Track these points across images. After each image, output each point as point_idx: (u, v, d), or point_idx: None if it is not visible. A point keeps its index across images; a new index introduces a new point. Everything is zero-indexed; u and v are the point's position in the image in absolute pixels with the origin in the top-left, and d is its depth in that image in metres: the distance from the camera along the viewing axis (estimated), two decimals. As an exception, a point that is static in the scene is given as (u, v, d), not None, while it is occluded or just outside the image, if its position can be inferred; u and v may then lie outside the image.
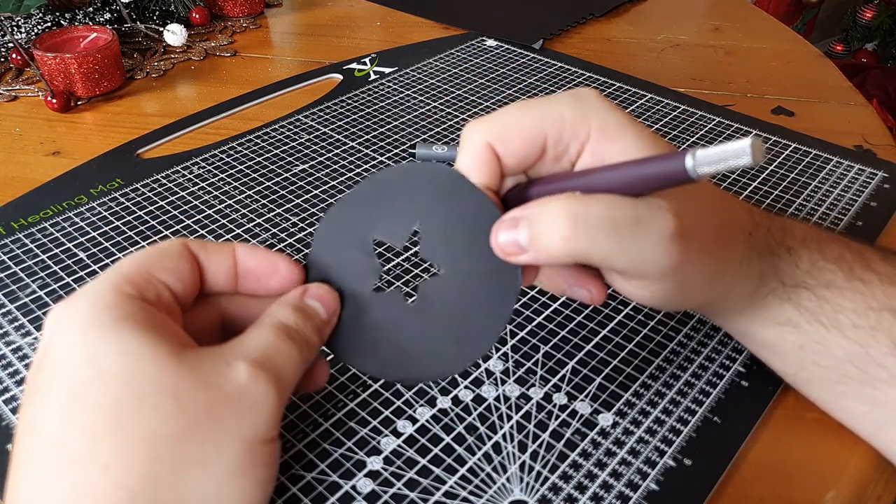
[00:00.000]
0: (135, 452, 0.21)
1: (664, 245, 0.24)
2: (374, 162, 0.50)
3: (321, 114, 0.57)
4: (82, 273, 0.40)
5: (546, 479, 0.28)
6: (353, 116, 0.56)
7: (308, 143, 0.53)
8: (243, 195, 0.47)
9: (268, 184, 0.48)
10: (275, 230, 0.43)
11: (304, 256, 0.39)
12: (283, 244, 0.42)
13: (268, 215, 0.45)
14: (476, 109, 0.57)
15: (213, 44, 0.70)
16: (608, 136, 0.26)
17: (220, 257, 0.27)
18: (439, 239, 0.27)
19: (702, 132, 0.54)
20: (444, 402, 0.32)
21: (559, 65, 0.65)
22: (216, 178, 0.48)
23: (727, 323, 0.32)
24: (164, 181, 0.48)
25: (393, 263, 0.39)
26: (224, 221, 0.44)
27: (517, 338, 0.35)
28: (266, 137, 0.53)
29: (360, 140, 0.53)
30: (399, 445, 0.30)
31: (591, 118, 0.26)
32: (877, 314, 0.28)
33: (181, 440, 0.22)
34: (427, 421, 0.31)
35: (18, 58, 0.63)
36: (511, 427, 0.31)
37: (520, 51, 0.68)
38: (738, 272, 0.29)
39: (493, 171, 0.27)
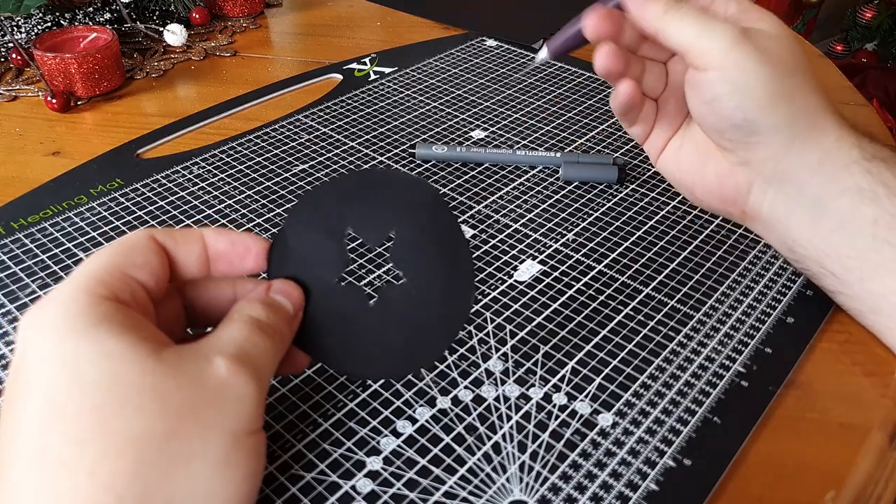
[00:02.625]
0: (121, 455, 0.21)
1: (726, 36, 0.31)
2: (374, 162, 0.50)
3: (321, 114, 0.57)
4: (82, 273, 0.39)
5: (546, 479, 0.28)
6: (353, 116, 0.56)
7: (308, 143, 0.53)
8: (243, 195, 0.47)
9: (268, 184, 0.48)
10: (275, 230, 0.43)
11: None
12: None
13: (268, 215, 0.45)
14: (476, 109, 0.57)
15: (213, 44, 0.70)
16: (748, 11, 0.34)
17: (190, 245, 0.27)
18: (410, 250, 0.28)
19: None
20: (443, 403, 0.32)
21: (559, 65, 0.65)
22: (216, 178, 0.48)
23: (802, 190, 0.33)
24: (164, 181, 0.48)
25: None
26: (224, 221, 0.44)
27: (517, 338, 0.35)
28: (266, 137, 0.53)
29: (360, 140, 0.53)
30: (399, 445, 0.30)
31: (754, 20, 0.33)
32: None
33: (167, 439, 0.22)
34: (427, 421, 0.31)
35: (18, 58, 0.63)
36: (511, 427, 0.31)
37: (520, 51, 0.68)
38: (806, 118, 0.32)
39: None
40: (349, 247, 0.28)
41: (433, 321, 0.28)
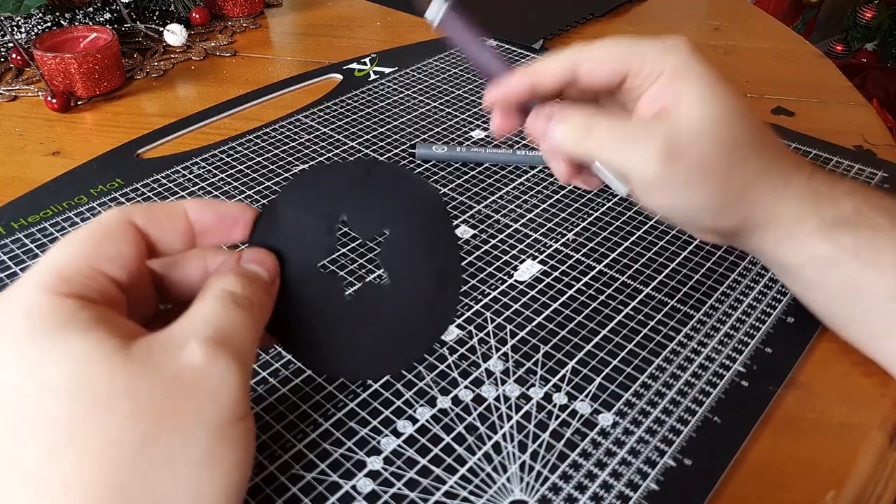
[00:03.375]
0: (97, 464, 0.20)
1: (651, 158, 0.30)
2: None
3: (321, 114, 0.57)
4: (82, 273, 0.39)
5: (546, 478, 0.28)
6: (353, 116, 0.56)
7: (308, 143, 0.53)
8: (243, 195, 0.47)
9: (268, 184, 0.48)
10: (275, 230, 0.43)
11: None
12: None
13: (268, 215, 0.45)
14: (476, 109, 0.57)
15: (213, 44, 0.70)
16: (676, 74, 0.31)
17: (171, 221, 0.25)
18: (400, 252, 0.27)
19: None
20: (444, 402, 0.32)
21: (559, 65, 0.65)
22: (216, 178, 0.48)
23: (769, 257, 0.34)
24: (164, 181, 0.48)
25: (345, 250, 0.39)
26: (224, 221, 0.44)
27: (517, 338, 0.35)
28: (266, 137, 0.53)
29: (360, 140, 0.53)
30: (399, 445, 0.30)
31: (668, 61, 0.31)
32: None
33: (144, 443, 0.20)
34: (427, 421, 0.31)
35: (18, 58, 0.63)
36: (511, 427, 0.31)
37: (520, 51, 0.68)
38: (763, 209, 0.32)
39: (558, 81, 0.32)
40: (339, 234, 0.27)
41: (405, 333, 0.27)
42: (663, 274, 0.39)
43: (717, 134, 0.30)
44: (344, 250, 0.38)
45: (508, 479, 0.29)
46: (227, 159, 0.51)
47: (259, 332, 0.25)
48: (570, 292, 0.38)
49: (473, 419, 0.31)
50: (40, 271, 0.23)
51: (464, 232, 0.43)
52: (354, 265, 0.38)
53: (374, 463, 0.29)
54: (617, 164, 0.31)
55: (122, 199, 0.46)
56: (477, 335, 0.35)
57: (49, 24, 0.66)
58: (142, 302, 0.26)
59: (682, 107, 0.30)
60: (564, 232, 0.43)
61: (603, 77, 0.32)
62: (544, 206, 0.46)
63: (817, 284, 0.32)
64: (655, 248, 0.41)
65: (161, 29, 0.67)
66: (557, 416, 0.31)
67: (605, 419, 0.31)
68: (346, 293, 0.28)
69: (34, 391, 0.20)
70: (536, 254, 0.41)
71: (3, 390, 0.21)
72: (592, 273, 0.40)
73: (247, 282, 0.25)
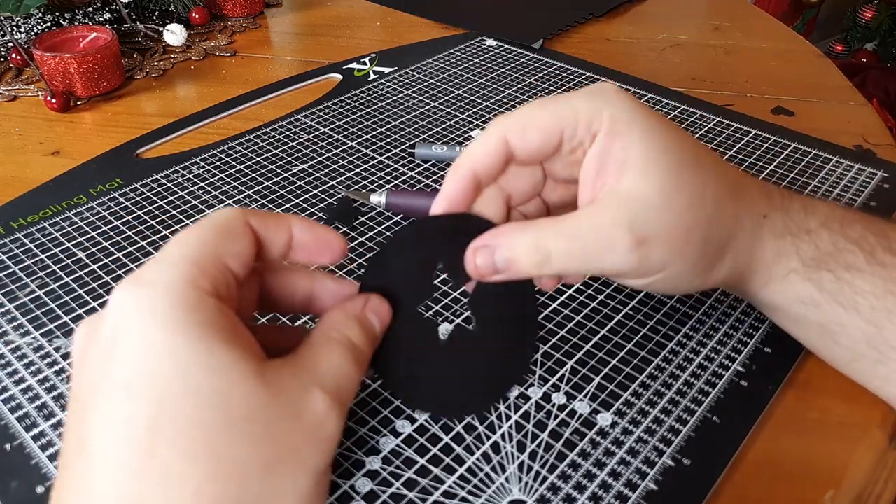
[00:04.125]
0: (227, 480, 0.21)
1: (625, 257, 0.27)
2: (374, 162, 0.50)
3: (321, 114, 0.57)
4: (81, 273, 0.39)
5: (545, 478, 0.28)
6: (353, 116, 0.56)
7: (308, 143, 0.53)
8: (243, 195, 0.47)
9: (268, 184, 0.48)
10: (274, 230, 0.43)
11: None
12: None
13: (267, 215, 0.45)
14: (476, 109, 0.57)
15: (212, 44, 0.70)
16: (616, 132, 0.28)
17: (278, 232, 0.26)
18: (487, 302, 0.29)
19: (701, 132, 0.54)
20: (443, 402, 0.32)
21: (559, 65, 0.65)
22: (216, 178, 0.48)
23: (751, 298, 0.34)
24: (164, 181, 0.48)
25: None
26: (223, 221, 0.44)
27: (516, 337, 0.35)
28: (266, 137, 0.53)
29: (360, 140, 0.53)
30: (398, 445, 0.30)
31: (604, 112, 0.28)
32: (895, 298, 0.29)
33: (266, 470, 0.21)
34: (426, 420, 0.31)
35: (18, 58, 0.63)
36: (510, 427, 0.31)
37: (520, 51, 0.68)
38: (745, 254, 0.30)
39: (496, 160, 0.29)
40: (435, 282, 0.29)
41: (491, 374, 0.28)
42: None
43: (679, 197, 0.28)
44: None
45: (507, 479, 0.28)
46: (227, 159, 0.51)
47: (358, 388, 0.26)
48: (570, 292, 0.38)
49: (472, 419, 0.31)
50: (182, 258, 0.23)
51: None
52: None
53: (373, 462, 0.29)
54: (590, 272, 0.28)
55: (122, 199, 0.46)
56: (476, 335, 0.35)
57: (49, 24, 0.66)
58: (246, 304, 0.27)
59: (630, 178, 0.27)
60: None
61: (536, 143, 0.28)
62: (544, 205, 0.46)
63: (802, 323, 0.32)
64: (655, 248, 0.41)
65: (161, 29, 0.67)
66: (556, 416, 0.31)
67: (604, 419, 0.31)
68: (440, 337, 0.29)
69: (178, 390, 0.21)
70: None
71: (144, 377, 0.21)
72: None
73: (365, 334, 0.26)
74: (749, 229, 0.30)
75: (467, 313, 0.30)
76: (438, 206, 0.29)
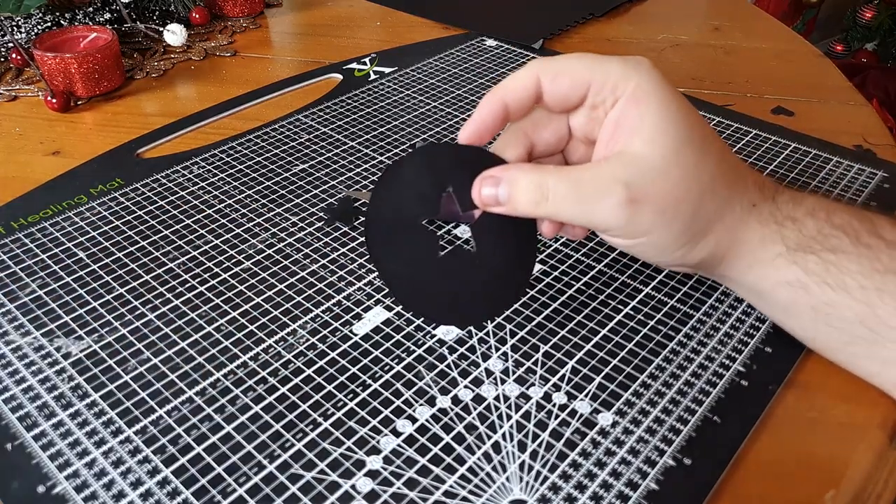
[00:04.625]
0: None
1: (616, 210, 0.29)
2: (374, 161, 0.50)
3: (321, 114, 0.57)
4: (82, 273, 0.39)
5: (546, 478, 0.28)
6: (353, 116, 0.56)
7: (308, 143, 0.53)
8: (243, 195, 0.47)
9: (268, 184, 0.48)
10: (275, 230, 0.43)
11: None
12: (282, 244, 0.42)
13: (268, 215, 0.45)
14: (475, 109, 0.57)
15: (213, 44, 0.70)
16: (637, 99, 0.30)
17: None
18: (490, 226, 0.31)
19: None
20: (443, 402, 0.32)
21: (559, 65, 0.65)
22: (216, 178, 0.48)
23: (736, 284, 0.34)
24: (164, 181, 0.48)
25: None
26: (224, 221, 0.44)
27: (517, 337, 0.35)
28: (266, 137, 0.53)
29: (360, 140, 0.53)
30: (398, 445, 0.30)
31: (632, 80, 0.30)
32: (882, 276, 0.29)
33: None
34: (427, 420, 0.31)
35: (18, 58, 0.63)
36: (511, 426, 0.31)
37: (520, 51, 0.69)
38: (730, 237, 0.32)
39: (526, 94, 0.31)
40: (443, 199, 0.31)
41: (486, 292, 0.31)
42: (663, 274, 0.39)
43: (678, 169, 0.30)
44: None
45: (508, 479, 0.29)
46: (227, 159, 0.51)
47: None
48: (570, 292, 0.38)
49: (473, 418, 0.31)
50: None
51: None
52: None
53: (374, 462, 0.29)
54: (579, 221, 0.30)
55: (122, 199, 0.46)
56: (476, 334, 0.35)
57: (49, 24, 0.66)
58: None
59: (639, 141, 0.30)
60: (564, 231, 0.43)
61: (563, 89, 0.31)
62: (544, 205, 0.46)
63: (790, 309, 0.32)
64: (655, 248, 0.41)
65: (161, 29, 0.67)
66: (557, 416, 0.31)
67: (605, 418, 0.31)
68: (441, 252, 0.31)
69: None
70: (537, 253, 0.41)
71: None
72: (592, 272, 0.40)
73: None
74: (737, 214, 0.31)
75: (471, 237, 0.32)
76: (467, 128, 0.32)
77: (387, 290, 0.33)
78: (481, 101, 0.32)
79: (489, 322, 0.35)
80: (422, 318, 0.35)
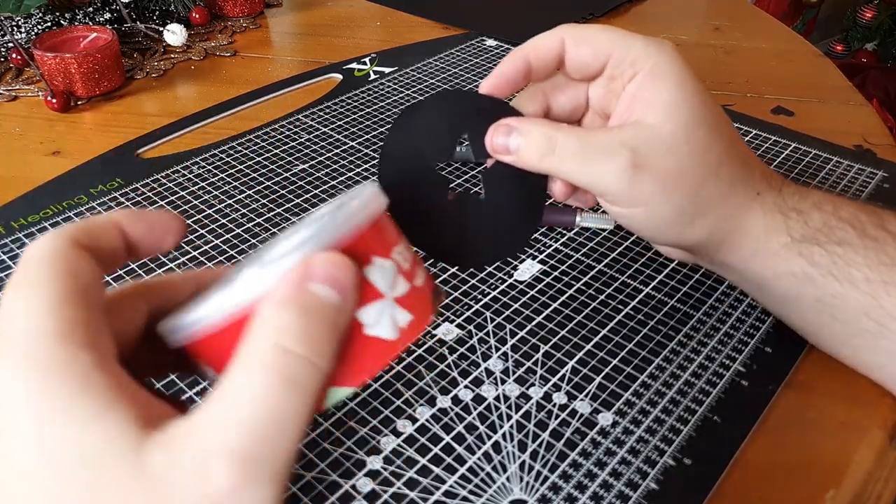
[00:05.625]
0: None
1: (618, 173, 0.29)
2: (374, 161, 0.50)
3: (321, 114, 0.57)
4: (82, 273, 0.39)
5: (546, 478, 0.28)
6: (353, 116, 0.56)
7: (308, 143, 0.53)
8: (243, 195, 0.47)
9: (268, 184, 0.48)
10: (275, 230, 0.43)
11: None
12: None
13: (268, 215, 0.45)
14: (476, 109, 0.57)
15: (213, 44, 0.70)
16: (654, 75, 0.30)
17: (107, 235, 0.21)
18: (501, 175, 0.31)
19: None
20: (443, 402, 0.32)
21: (559, 65, 0.65)
22: (216, 178, 0.48)
23: (739, 273, 0.34)
24: (164, 181, 0.48)
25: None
26: (224, 221, 0.44)
27: (517, 337, 0.35)
28: (266, 137, 0.53)
29: (360, 140, 0.53)
30: (399, 445, 0.30)
31: (652, 58, 0.30)
32: (888, 268, 0.29)
33: None
34: (427, 420, 0.31)
35: (18, 58, 0.63)
36: (511, 426, 0.31)
37: (520, 51, 0.68)
38: (730, 222, 0.31)
39: (550, 55, 0.32)
40: (457, 145, 0.31)
41: (496, 236, 0.31)
42: (663, 274, 0.39)
43: (687, 146, 0.30)
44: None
45: (508, 479, 0.29)
46: (227, 159, 0.51)
47: (318, 399, 0.19)
48: (570, 292, 0.38)
49: (473, 418, 0.31)
50: (43, 313, 0.18)
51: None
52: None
53: (374, 462, 0.29)
54: (581, 179, 0.30)
55: (122, 199, 0.46)
56: (477, 334, 0.35)
57: (49, 24, 0.66)
58: (127, 337, 0.22)
59: (653, 115, 0.30)
60: (564, 231, 0.43)
61: (585, 56, 0.31)
62: (544, 205, 0.46)
63: (792, 300, 0.32)
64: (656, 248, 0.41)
65: (161, 29, 0.67)
66: (557, 416, 0.31)
67: (605, 418, 0.31)
68: (449, 196, 0.31)
69: (36, 462, 0.17)
70: (536, 253, 0.41)
71: (12, 447, 0.17)
72: (592, 273, 0.40)
73: (311, 324, 0.19)
74: (740, 199, 0.31)
75: (481, 185, 0.32)
76: (488, 81, 0.32)
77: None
78: (505, 58, 0.32)
79: (489, 265, 0.36)
80: (426, 254, 0.33)
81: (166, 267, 0.40)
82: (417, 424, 0.31)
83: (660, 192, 0.30)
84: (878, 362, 0.31)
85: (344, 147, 0.52)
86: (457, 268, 0.39)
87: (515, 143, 0.30)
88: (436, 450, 0.30)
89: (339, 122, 0.55)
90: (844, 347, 0.32)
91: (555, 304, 0.37)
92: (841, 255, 0.30)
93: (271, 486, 0.17)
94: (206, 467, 0.17)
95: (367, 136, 0.53)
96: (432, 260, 0.35)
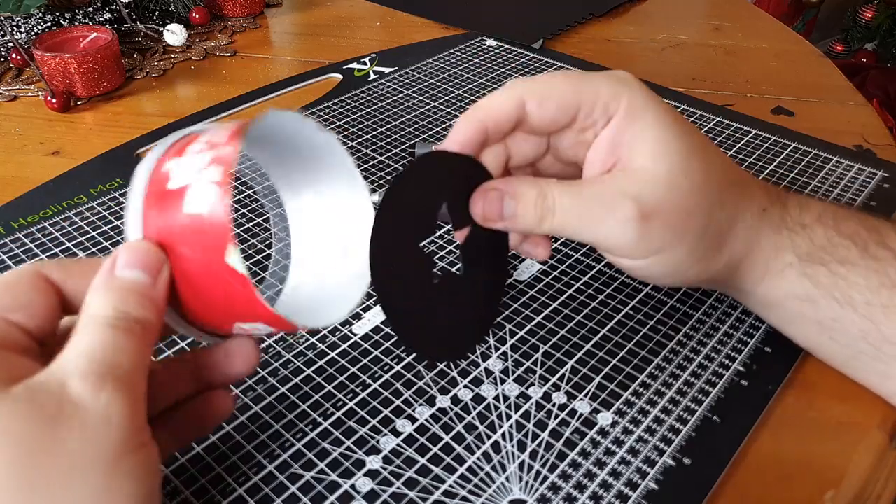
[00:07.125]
0: None
1: (623, 226, 0.28)
2: (374, 161, 0.50)
3: (321, 114, 0.57)
4: (82, 272, 0.39)
5: (545, 478, 0.28)
6: (353, 116, 0.56)
7: (308, 143, 0.52)
8: (244, 195, 0.47)
9: (267, 183, 0.48)
10: (275, 230, 0.43)
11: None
12: (282, 244, 0.42)
13: (268, 215, 0.45)
14: (476, 109, 0.57)
15: (212, 44, 0.70)
16: (631, 116, 0.29)
17: (86, 278, 0.25)
18: (480, 247, 0.29)
19: (702, 132, 0.54)
20: (443, 402, 0.32)
21: (559, 65, 0.65)
22: (216, 178, 0.48)
23: (746, 295, 0.33)
24: (164, 181, 0.48)
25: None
26: (224, 221, 0.44)
27: (516, 337, 0.35)
28: (266, 137, 0.53)
29: (360, 140, 0.53)
30: (398, 444, 0.30)
31: (623, 98, 0.29)
32: (889, 291, 0.29)
33: (20, 488, 0.19)
34: (426, 420, 0.31)
35: (18, 58, 0.63)
36: (510, 426, 0.31)
37: (520, 51, 0.68)
38: (744, 246, 0.31)
39: (509, 118, 0.29)
40: (439, 216, 0.29)
41: (475, 318, 0.30)
42: (663, 273, 0.39)
43: (686, 181, 0.28)
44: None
45: (507, 479, 0.29)
46: (227, 159, 0.51)
47: (150, 350, 0.23)
48: (570, 291, 0.38)
49: (472, 418, 0.31)
50: None
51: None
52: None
53: (373, 462, 0.29)
54: (587, 238, 0.29)
55: (122, 199, 0.46)
56: (476, 334, 0.35)
57: (49, 24, 0.66)
58: (165, 389, 0.26)
59: (641, 158, 0.28)
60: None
61: (551, 114, 0.29)
62: (544, 205, 0.45)
63: (796, 320, 0.32)
64: (655, 248, 0.41)
65: (161, 29, 0.67)
66: (557, 416, 0.31)
67: (605, 418, 0.31)
68: (434, 278, 0.29)
69: None
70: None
71: None
72: (591, 272, 0.40)
73: (121, 296, 0.23)
74: (749, 222, 0.31)
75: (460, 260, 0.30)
76: (445, 148, 0.29)
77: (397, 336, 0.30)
78: (459, 120, 0.30)
79: (472, 352, 0.34)
80: (419, 356, 0.33)
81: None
82: (417, 424, 0.31)
83: (671, 237, 0.28)
84: (874, 381, 0.32)
85: (344, 147, 0.52)
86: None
87: (510, 210, 0.28)
88: (435, 449, 0.30)
89: (338, 123, 0.55)
90: (844, 367, 0.32)
91: (554, 304, 0.37)
92: (844, 276, 0.30)
93: (122, 392, 0.21)
94: (64, 384, 0.21)
95: (367, 136, 0.53)
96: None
